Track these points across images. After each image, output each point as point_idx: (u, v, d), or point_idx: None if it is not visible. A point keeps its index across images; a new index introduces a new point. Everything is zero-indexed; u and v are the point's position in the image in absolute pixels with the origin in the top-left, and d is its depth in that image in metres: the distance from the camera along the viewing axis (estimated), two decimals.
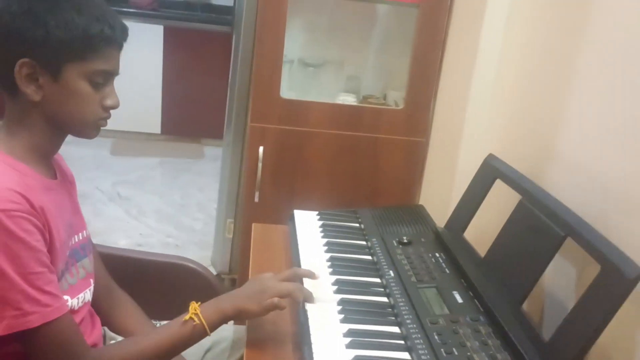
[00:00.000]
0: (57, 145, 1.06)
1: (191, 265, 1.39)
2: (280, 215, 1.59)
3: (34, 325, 0.90)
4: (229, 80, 2.22)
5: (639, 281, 0.82)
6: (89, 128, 1.03)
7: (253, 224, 1.55)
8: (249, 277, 1.22)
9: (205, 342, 1.26)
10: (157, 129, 4.49)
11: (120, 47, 1.03)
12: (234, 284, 2.31)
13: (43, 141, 1.01)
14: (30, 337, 0.92)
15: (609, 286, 0.85)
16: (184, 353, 1.20)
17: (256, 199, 1.93)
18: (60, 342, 0.94)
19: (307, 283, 1.16)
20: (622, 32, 1.09)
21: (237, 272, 2.29)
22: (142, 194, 3.60)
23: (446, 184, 1.68)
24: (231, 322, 1.29)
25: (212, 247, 2.52)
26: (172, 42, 4.28)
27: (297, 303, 1.10)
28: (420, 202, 1.90)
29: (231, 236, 2.36)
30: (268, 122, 1.89)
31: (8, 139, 0.99)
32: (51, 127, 1.00)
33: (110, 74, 1.02)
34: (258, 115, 1.89)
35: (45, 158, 1.04)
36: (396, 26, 2.10)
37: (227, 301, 1.07)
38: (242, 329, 1.26)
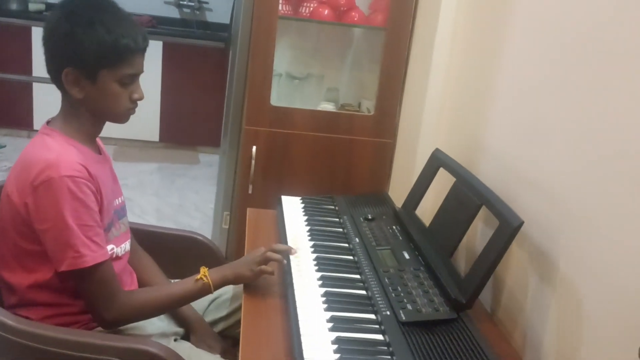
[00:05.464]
0: (100, 129, 1.34)
1: (200, 237, 1.71)
2: (270, 204, 1.88)
3: (87, 265, 1.18)
4: (227, 90, 2.51)
5: (520, 228, 1.17)
6: (120, 116, 1.32)
7: (248, 209, 1.86)
8: (245, 252, 1.52)
9: (211, 294, 1.59)
10: (156, 137, 4.74)
11: (143, 51, 1.29)
12: None
13: (89, 126, 1.30)
14: (83, 275, 1.20)
15: (502, 234, 1.20)
16: (192, 303, 1.52)
17: (250, 191, 2.26)
18: (103, 280, 1.22)
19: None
20: (524, 58, 1.45)
21: (232, 259, 2.59)
22: (142, 195, 3.87)
23: (408, 175, 2.03)
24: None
25: (210, 238, 2.83)
26: (170, 57, 4.52)
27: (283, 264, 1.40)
28: (390, 192, 2.23)
29: (227, 227, 2.68)
30: (260, 125, 2.21)
31: (65, 125, 1.29)
32: (93, 116, 1.30)
33: (135, 75, 1.30)
34: (252, 119, 2.22)
35: (92, 139, 1.34)
36: (367, 46, 2.44)
37: (228, 268, 1.37)
38: (240, 286, 1.57)
